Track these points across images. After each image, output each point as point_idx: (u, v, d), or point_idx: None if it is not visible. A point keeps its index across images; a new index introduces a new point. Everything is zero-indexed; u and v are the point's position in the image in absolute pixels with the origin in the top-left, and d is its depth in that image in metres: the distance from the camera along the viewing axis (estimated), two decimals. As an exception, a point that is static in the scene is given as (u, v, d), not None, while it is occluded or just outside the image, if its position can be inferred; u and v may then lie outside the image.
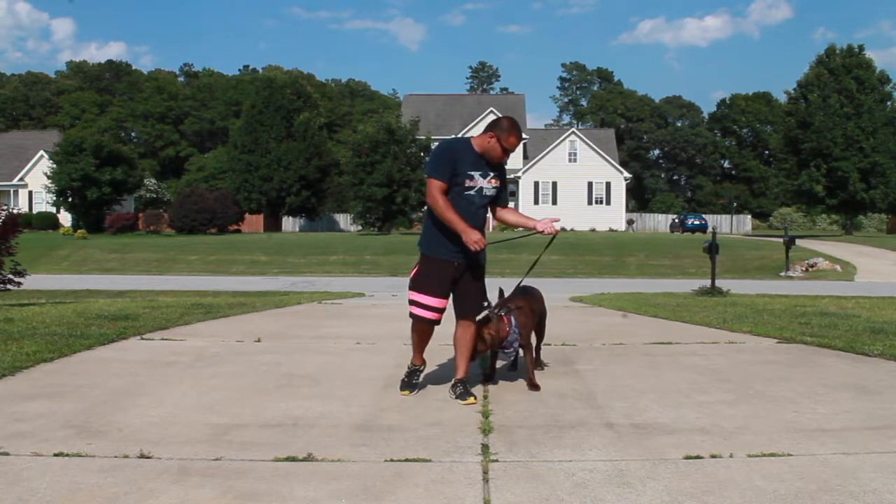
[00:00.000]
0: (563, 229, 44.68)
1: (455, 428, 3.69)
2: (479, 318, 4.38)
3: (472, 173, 4.24)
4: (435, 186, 4.20)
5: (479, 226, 4.31)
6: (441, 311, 4.32)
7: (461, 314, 4.40)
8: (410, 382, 4.47)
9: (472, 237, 4.09)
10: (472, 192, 4.26)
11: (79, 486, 2.86)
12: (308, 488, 2.86)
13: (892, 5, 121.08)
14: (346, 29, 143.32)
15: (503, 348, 4.59)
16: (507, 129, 4.22)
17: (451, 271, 4.29)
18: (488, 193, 4.32)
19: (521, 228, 4.51)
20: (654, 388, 4.54)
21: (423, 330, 4.41)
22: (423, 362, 4.54)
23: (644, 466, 3.10)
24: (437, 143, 4.96)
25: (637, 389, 4.53)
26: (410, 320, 4.41)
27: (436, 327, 4.41)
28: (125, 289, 16.15)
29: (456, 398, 4.26)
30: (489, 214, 4.51)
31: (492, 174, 4.31)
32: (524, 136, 49.26)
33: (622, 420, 3.83)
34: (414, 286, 4.34)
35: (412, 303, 4.35)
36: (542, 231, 4.37)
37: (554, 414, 3.96)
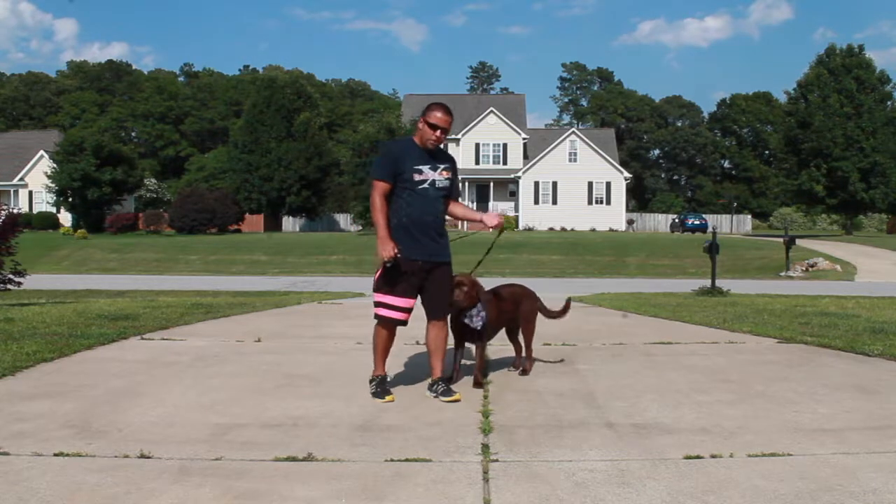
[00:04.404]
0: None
1: (455, 428, 3.69)
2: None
3: (421, 167, 4.27)
4: (377, 188, 4.27)
5: (438, 217, 4.34)
6: (408, 311, 4.30)
7: (432, 315, 4.38)
8: (386, 390, 4.35)
9: (386, 247, 4.12)
10: (425, 186, 4.28)
11: (79, 486, 2.86)
12: (308, 488, 2.86)
13: (892, 5, 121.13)
14: (348, 29, 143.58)
15: (470, 315, 4.49)
16: (429, 107, 4.33)
17: (415, 269, 4.26)
18: (442, 185, 4.34)
19: (467, 221, 4.54)
20: (654, 388, 4.54)
21: (388, 333, 4.35)
22: (385, 372, 4.43)
23: (644, 466, 3.10)
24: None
25: (637, 389, 4.52)
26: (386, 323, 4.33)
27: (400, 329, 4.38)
28: (125, 289, 16.15)
29: (439, 396, 4.25)
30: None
31: (441, 167, 4.34)
32: (524, 135, 49.30)
33: (622, 420, 3.83)
34: (378, 287, 4.30)
35: (378, 304, 4.30)
36: (487, 224, 4.44)
37: (554, 414, 3.96)
